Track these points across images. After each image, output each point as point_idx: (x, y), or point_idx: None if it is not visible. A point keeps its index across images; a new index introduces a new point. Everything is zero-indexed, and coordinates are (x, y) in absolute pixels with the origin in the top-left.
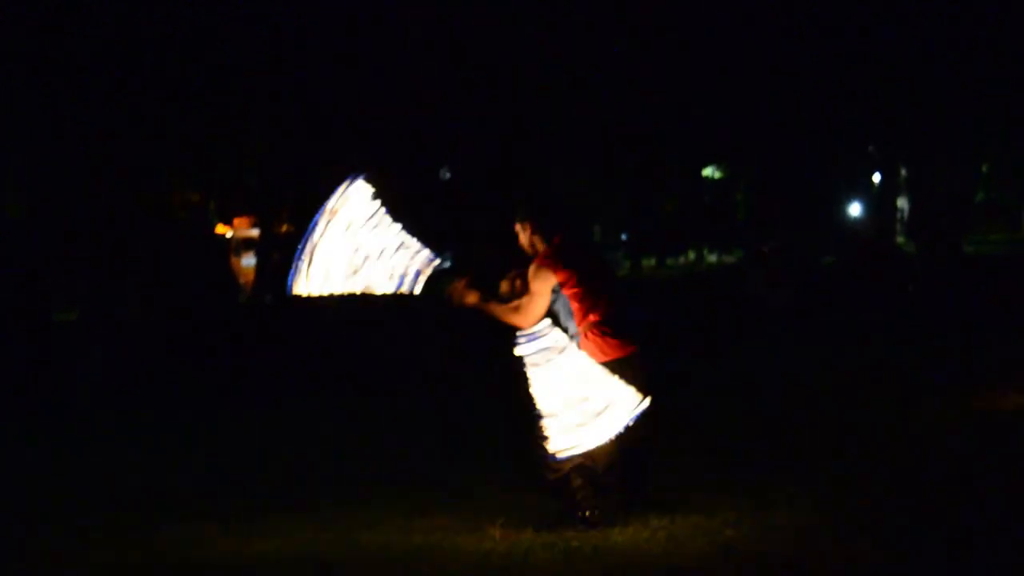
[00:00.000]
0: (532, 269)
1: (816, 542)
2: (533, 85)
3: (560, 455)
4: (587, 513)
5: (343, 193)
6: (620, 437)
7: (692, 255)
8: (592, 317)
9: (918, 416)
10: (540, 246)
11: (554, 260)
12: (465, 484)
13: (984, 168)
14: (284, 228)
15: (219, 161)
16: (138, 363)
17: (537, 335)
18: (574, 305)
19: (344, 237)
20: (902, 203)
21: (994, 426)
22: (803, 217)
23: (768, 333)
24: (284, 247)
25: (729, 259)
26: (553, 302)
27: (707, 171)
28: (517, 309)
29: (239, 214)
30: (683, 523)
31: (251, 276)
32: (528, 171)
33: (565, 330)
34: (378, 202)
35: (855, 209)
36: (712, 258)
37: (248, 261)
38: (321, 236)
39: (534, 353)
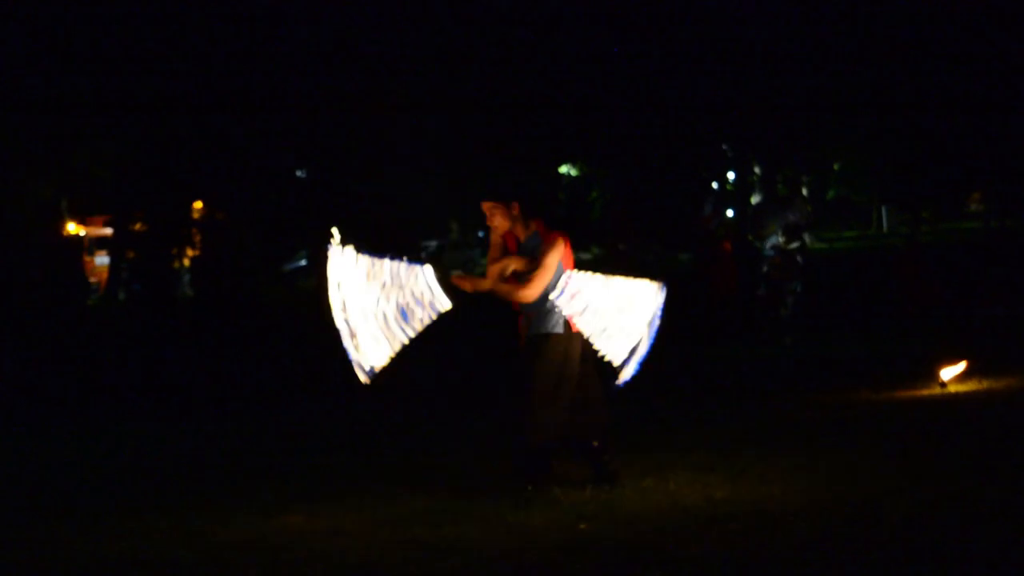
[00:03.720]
0: (546, 244)
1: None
2: (388, 85)
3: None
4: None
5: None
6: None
7: None
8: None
9: (763, 410)
10: (520, 224)
11: (563, 237)
12: (326, 480)
13: (836, 166)
14: (138, 226)
15: (72, 158)
16: None
17: (563, 290)
18: (565, 281)
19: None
20: (756, 200)
21: (845, 419)
22: (658, 215)
23: None
24: (138, 245)
25: (586, 256)
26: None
27: (563, 169)
28: (529, 283)
29: (92, 213)
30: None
31: (104, 275)
32: (381, 170)
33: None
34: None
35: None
36: None
37: (101, 260)
38: (345, 310)
39: (574, 305)
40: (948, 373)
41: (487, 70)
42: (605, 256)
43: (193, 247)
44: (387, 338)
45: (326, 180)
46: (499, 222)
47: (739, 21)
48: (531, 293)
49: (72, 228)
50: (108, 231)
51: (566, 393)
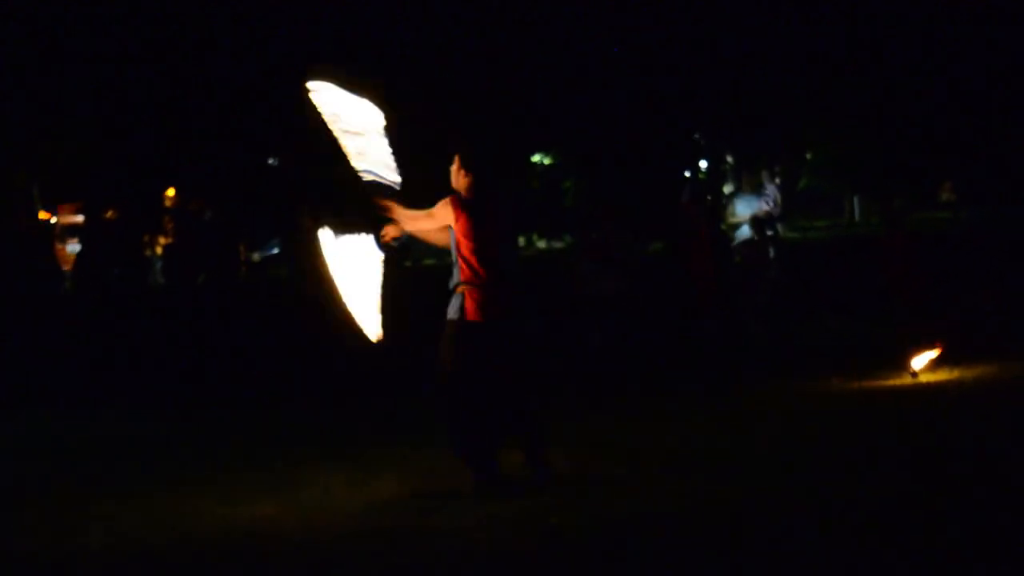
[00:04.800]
0: (441, 202)
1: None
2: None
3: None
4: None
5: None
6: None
7: (522, 240)
8: (472, 276)
9: (734, 398)
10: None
11: (459, 202)
12: (297, 469)
13: (808, 156)
14: (110, 214)
15: (44, 145)
16: None
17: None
18: (460, 258)
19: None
20: (729, 190)
21: (816, 408)
22: (631, 204)
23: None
24: (111, 233)
25: (559, 245)
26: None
27: (536, 157)
28: (412, 217)
29: (63, 200)
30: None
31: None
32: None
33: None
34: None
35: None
36: (541, 244)
37: (73, 248)
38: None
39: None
40: (919, 362)
41: (461, 58)
42: (578, 244)
43: (165, 235)
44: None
45: (298, 168)
46: (452, 177)
47: (712, 10)
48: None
49: (43, 215)
50: (79, 219)
51: (478, 389)
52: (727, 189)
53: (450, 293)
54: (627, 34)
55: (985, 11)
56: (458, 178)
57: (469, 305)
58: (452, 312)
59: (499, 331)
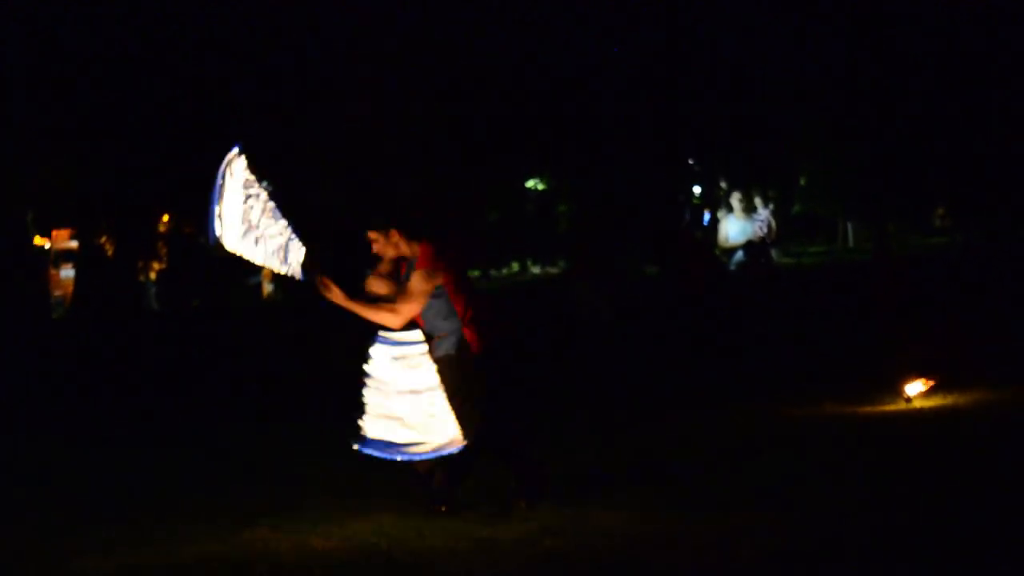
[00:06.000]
0: (417, 273)
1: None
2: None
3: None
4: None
5: (230, 161)
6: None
7: (516, 266)
8: (471, 312)
9: (727, 422)
10: (408, 249)
11: (439, 263)
12: (291, 494)
13: (801, 180)
14: (104, 239)
15: (37, 172)
16: None
17: (407, 341)
18: (457, 303)
19: (240, 199)
20: (722, 215)
21: (809, 432)
22: (624, 228)
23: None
24: (104, 259)
25: (553, 271)
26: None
27: (530, 183)
28: (393, 310)
29: (58, 225)
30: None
31: (70, 288)
32: (350, 181)
33: (429, 334)
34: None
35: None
36: (536, 269)
37: (67, 273)
38: (224, 191)
39: (397, 353)
40: (913, 388)
41: (454, 81)
42: (571, 269)
43: (159, 260)
44: (251, 243)
45: (288, 193)
46: (380, 248)
47: (707, 32)
48: (395, 322)
49: (38, 241)
50: (74, 244)
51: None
52: (720, 213)
53: (436, 338)
54: (626, 35)
55: (985, 12)
56: (399, 245)
57: (474, 340)
58: (450, 349)
59: (499, 358)
